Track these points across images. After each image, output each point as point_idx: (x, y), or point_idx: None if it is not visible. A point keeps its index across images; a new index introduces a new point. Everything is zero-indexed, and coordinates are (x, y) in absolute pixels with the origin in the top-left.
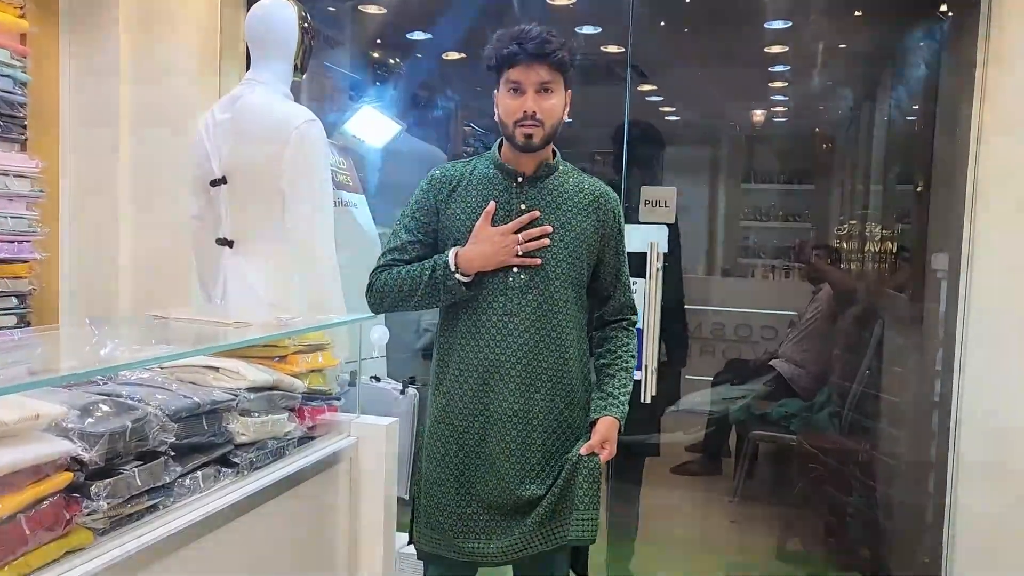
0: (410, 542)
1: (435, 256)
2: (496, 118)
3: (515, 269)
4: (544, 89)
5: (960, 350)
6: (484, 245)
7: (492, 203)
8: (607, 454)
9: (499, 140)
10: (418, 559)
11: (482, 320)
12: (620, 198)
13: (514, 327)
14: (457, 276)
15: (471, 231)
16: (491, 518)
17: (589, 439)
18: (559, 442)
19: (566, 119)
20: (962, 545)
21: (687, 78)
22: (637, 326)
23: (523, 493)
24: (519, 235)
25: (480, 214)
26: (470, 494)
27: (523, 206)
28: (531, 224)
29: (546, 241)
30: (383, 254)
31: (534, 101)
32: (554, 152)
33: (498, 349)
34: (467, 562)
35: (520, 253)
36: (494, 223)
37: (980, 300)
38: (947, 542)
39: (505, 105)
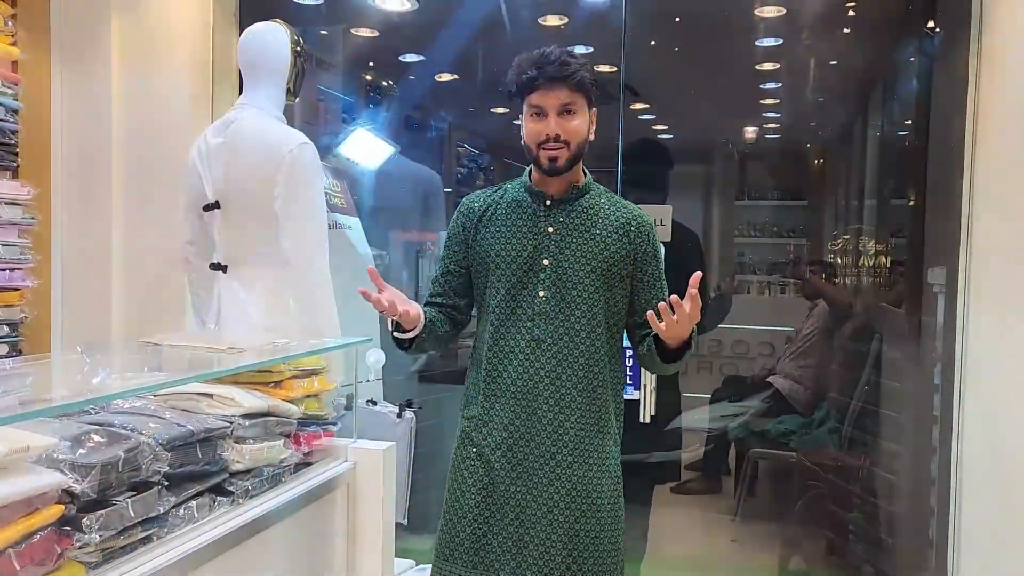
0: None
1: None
2: (522, 143)
3: (541, 294)
4: (566, 111)
5: (960, 365)
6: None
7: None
8: (684, 310)
9: (529, 166)
10: None
11: (511, 345)
12: None
13: (542, 352)
14: (394, 334)
15: (500, 255)
16: (509, 548)
17: (619, 475)
18: (590, 474)
19: (591, 138)
20: (967, 561)
21: (679, 96)
22: None
23: (546, 527)
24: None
25: (508, 238)
26: (489, 522)
27: (550, 229)
28: (557, 246)
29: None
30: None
31: (556, 123)
32: (584, 173)
33: (526, 375)
34: None
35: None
36: (524, 238)
37: (979, 314)
38: (952, 558)
39: (529, 129)
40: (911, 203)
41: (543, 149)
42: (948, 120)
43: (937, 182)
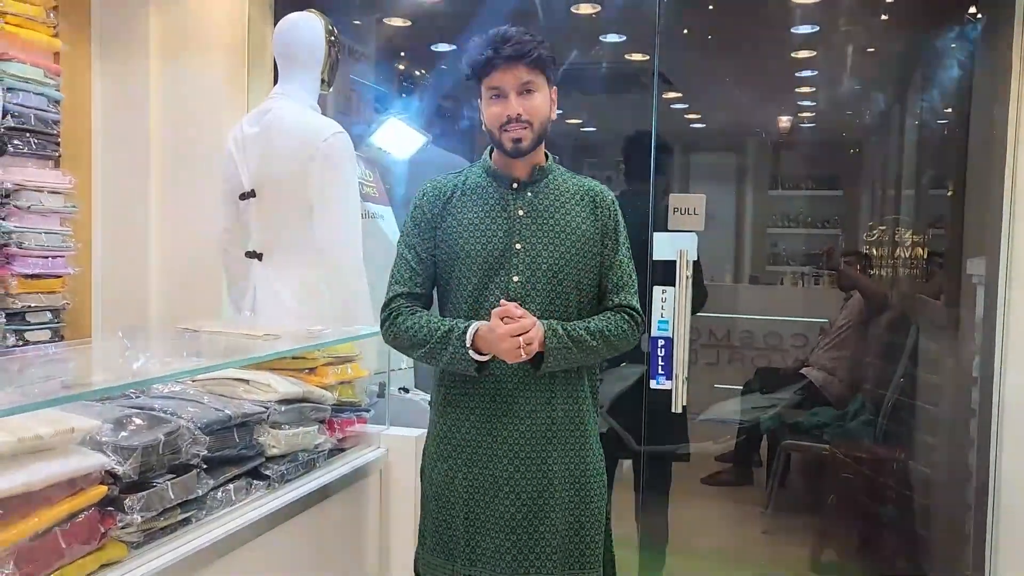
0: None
1: (455, 322)
2: (483, 127)
3: (515, 279)
4: (526, 90)
5: (1000, 357)
6: (494, 341)
7: (505, 307)
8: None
9: (489, 148)
10: None
11: None
12: (648, 205)
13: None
14: (471, 353)
15: (468, 243)
16: (500, 543)
17: (601, 454)
18: (571, 453)
19: (553, 117)
20: (1005, 557)
21: (713, 85)
22: (667, 334)
23: (538, 519)
24: (520, 338)
25: (476, 224)
26: (480, 519)
27: (521, 212)
28: (529, 229)
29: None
30: (393, 284)
31: (517, 103)
32: (547, 155)
33: (503, 363)
34: None
35: (524, 357)
36: (492, 223)
37: (1019, 305)
38: (990, 554)
39: (490, 112)
40: (950, 193)
41: (505, 131)
42: (989, 108)
43: (978, 171)
